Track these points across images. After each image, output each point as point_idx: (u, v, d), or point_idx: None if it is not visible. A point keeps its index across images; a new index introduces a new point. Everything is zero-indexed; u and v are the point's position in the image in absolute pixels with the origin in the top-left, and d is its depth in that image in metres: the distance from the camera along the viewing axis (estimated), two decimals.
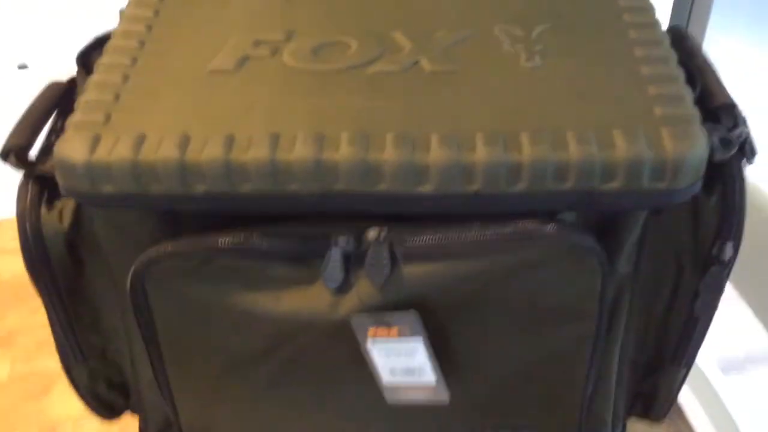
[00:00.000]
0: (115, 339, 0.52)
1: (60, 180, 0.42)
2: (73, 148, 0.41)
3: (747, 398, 0.83)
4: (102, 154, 0.40)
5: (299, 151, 0.40)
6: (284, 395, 0.48)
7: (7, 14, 1.30)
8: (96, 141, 0.41)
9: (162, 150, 0.40)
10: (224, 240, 0.42)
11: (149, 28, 0.50)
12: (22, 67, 1.39)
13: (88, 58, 0.53)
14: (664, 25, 0.50)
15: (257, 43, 0.48)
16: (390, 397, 0.46)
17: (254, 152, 0.40)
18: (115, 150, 0.41)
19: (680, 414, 0.62)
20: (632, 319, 0.49)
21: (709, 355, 0.86)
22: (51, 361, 0.67)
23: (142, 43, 0.49)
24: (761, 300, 0.63)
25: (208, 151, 0.40)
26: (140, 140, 0.41)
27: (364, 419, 0.49)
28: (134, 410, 0.57)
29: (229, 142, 0.41)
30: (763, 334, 0.64)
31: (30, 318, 0.73)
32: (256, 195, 0.41)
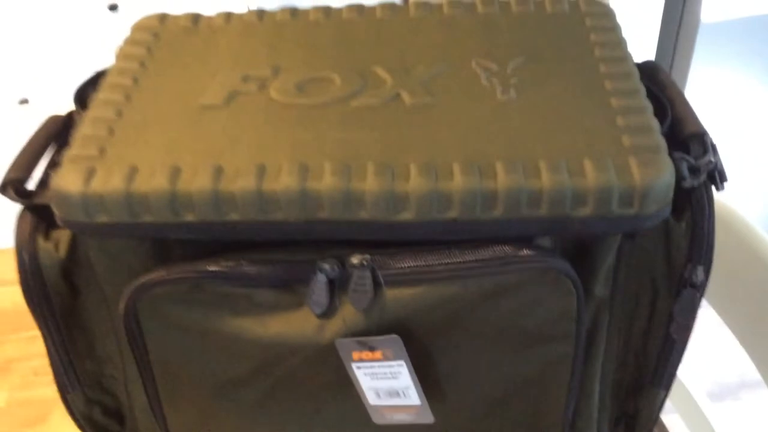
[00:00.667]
0: (110, 365, 0.53)
1: (56, 211, 0.44)
2: (68, 181, 0.43)
3: (739, 424, 0.84)
4: (96, 186, 0.42)
5: (284, 181, 0.42)
6: (273, 417, 0.49)
7: (8, 50, 1.33)
8: (91, 173, 0.43)
9: (153, 181, 0.42)
10: (213, 266, 0.43)
11: (143, 65, 0.52)
12: (23, 102, 1.42)
13: (85, 94, 0.55)
14: (643, 57, 0.53)
15: (245, 79, 0.50)
16: (376, 419, 0.47)
17: (241, 182, 0.42)
18: (109, 182, 0.42)
19: None
20: (612, 341, 0.50)
21: (698, 381, 0.87)
22: (48, 390, 0.69)
23: (136, 80, 0.51)
24: (740, 321, 0.65)
25: (197, 182, 0.42)
26: (133, 172, 0.43)
27: None
28: None
29: (218, 173, 0.43)
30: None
31: (27, 347, 0.74)
32: (243, 223, 0.43)
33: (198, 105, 0.48)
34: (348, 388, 0.47)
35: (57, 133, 0.53)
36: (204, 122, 0.47)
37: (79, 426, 0.55)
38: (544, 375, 0.47)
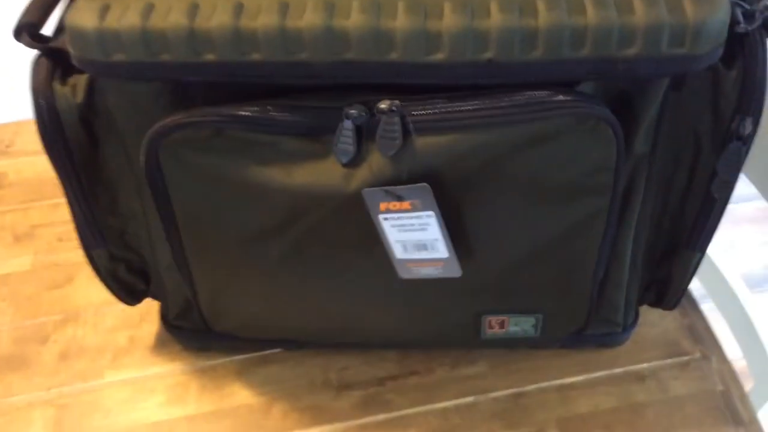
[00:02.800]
0: (133, 222, 0.52)
1: (72, 49, 0.41)
2: (82, 17, 0.40)
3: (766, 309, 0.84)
4: (112, 21, 0.40)
5: (309, 18, 0.40)
6: (299, 271, 0.49)
7: None
8: (106, 9, 0.41)
9: (171, 17, 0.40)
10: (237, 110, 0.41)
11: None
12: None
13: None
14: None
15: None
16: (402, 273, 0.47)
17: (263, 19, 0.40)
18: (125, 17, 0.40)
19: (694, 307, 0.62)
20: (648, 201, 0.48)
21: (732, 269, 0.86)
22: (72, 254, 0.69)
23: None
24: None
25: (216, 18, 0.40)
26: (149, 8, 0.41)
27: (377, 294, 0.49)
28: (155, 296, 0.59)
29: (238, 9, 0.40)
30: None
31: (51, 214, 0.74)
32: (266, 64, 0.40)
33: None
34: (374, 242, 0.45)
35: None
36: None
37: (105, 283, 0.55)
38: (576, 231, 0.46)
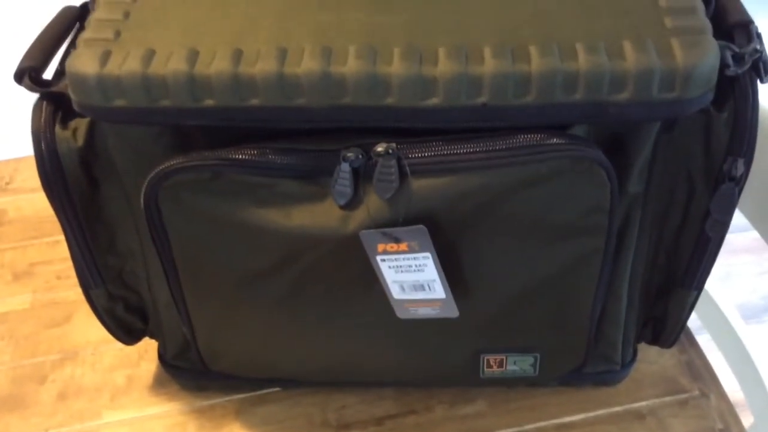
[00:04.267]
0: (132, 261, 0.53)
1: (73, 95, 0.42)
2: (84, 63, 0.41)
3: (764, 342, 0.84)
4: (112, 67, 0.41)
5: (307, 64, 0.40)
6: (297, 311, 0.49)
7: None
8: (107, 55, 0.41)
9: (171, 63, 0.41)
10: (236, 154, 0.42)
11: None
12: None
13: None
14: None
15: None
16: (400, 313, 0.47)
17: (262, 65, 0.40)
18: (126, 63, 0.41)
19: (693, 343, 0.62)
20: (643, 238, 0.49)
21: (727, 301, 0.86)
22: (71, 292, 0.69)
23: None
24: None
25: (216, 65, 0.41)
26: (150, 54, 0.41)
27: (375, 334, 0.50)
28: (153, 335, 0.59)
29: (237, 55, 0.41)
30: None
31: (50, 252, 0.74)
32: (265, 108, 0.41)
33: None
34: (372, 281, 0.46)
35: (71, 23, 0.52)
36: (222, 4, 0.45)
37: (103, 323, 0.55)
38: (572, 271, 0.46)
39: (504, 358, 0.51)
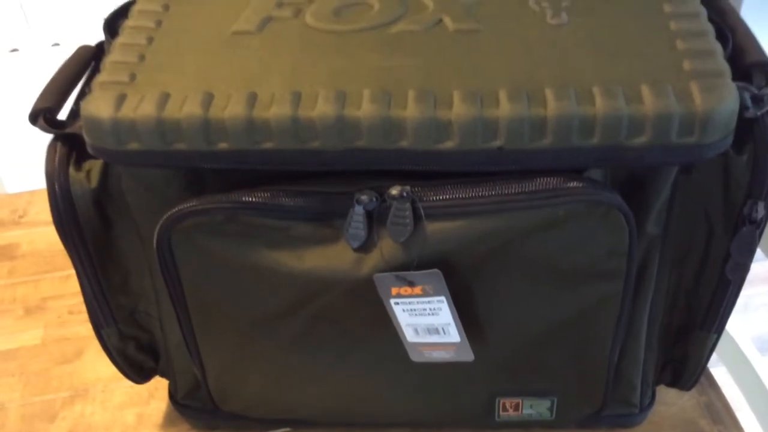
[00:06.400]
0: (144, 301, 0.52)
1: (87, 138, 0.42)
2: (98, 106, 0.41)
3: None
4: (127, 111, 0.41)
5: (321, 108, 0.40)
6: (308, 354, 0.48)
7: None
8: (121, 99, 0.41)
9: (186, 107, 0.41)
10: (248, 197, 0.42)
11: None
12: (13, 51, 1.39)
13: (114, 25, 0.53)
14: None
15: (280, 5, 0.48)
16: (414, 356, 0.46)
17: (276, 109, 0.40)
18: (140, 107, 0.41)
19: (712, 384, 0.61)
20: (662, 281, 0.48)
21: (744, 332, 0.84)
22: (82, 328, 0.69)
23: (166, 7, 0.49)
24: None
25: (230, 109, 0.40)
26: (164, 98, 0.41)
27: (388, 376, 0.49)
28: (163, 373, 0.58)
29: (252, 99, 0.41)
30: None
31: (62, 286, 0.74)
32: (278, 152, 0.41)
33: (231, 31, 0.46)
34: (385, 324, 0.45)
35: (87, 64, 0.52)
36: (237, 49, 0.45)
37: (114, 362, 0.55)
38: (590, 314, 0.45)
39: (520, 401, 0.50)
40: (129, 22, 0.48)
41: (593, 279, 0.43)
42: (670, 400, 0.59)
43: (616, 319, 0.45)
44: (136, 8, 0.49)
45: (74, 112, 0.49)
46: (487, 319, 0.45)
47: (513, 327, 0.46)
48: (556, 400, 0.50)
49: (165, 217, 0.43)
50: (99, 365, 0.65)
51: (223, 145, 0.41)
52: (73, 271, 0.75)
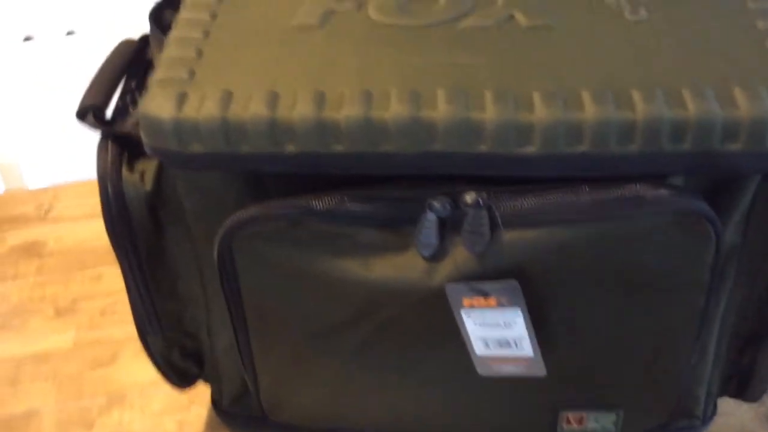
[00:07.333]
0: (192, 306, 0.50)
1: (145, 139, 0.40)
2: (159, 105, 0.39)
3: None
4: (190, 111, 0.39)
5: (395, 109, 0.38)
6: (370, 365, 0.46)
7: None
8: (182, 98, 0.39)
9: (251, 107, 0.38)
10: (315, 202, 0.40)
11: None
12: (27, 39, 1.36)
13: (160, 15, 0.51)
14: None
15: None
16: (482, 370, 0.44)
17: (348, 110, 0.38)
18: (203, 107, 0.39)
19: None
20: (737, 291, 0.46)
21: None
22: (116, 329, 0.67)
23: None
24: None
25: (299, 109, 0.38)
26: (228, 97, 0.39)
27: (449, 388, 0.47)
28: (207, 379, 0.56)
29: (320, 99, 0.39)
30: None
31: (93, 287, 0.72)
32: (349, 155, 0.39)
33: (291, 25, 0.44)
34: (451, 336, 0.43)
35: (131, 57, 0.50)
36: (299, 44, 0.43)
37: (158, 369, 0.53)
38: (667, 326, 0.43)
39: (584, 415, 0.48)
40: (183, 15, 0.45)
41: (675, 290, 0.41)
42: (728, 411, 0.57)
43: (692, 331, 0.43)
44: (188, 0, 0.47)
45: (121, 111, 0.47)
46: (560, 331, 0.43)
47: (587, 339, 0.44)
48: (622, 413, 0.48)
49: (227, 224, 0.41)
50: (135, 369, 0.63)
51: (290, 148, 0.39)
52: (104, 270, 0.74)
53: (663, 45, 0.41)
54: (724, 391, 0.53)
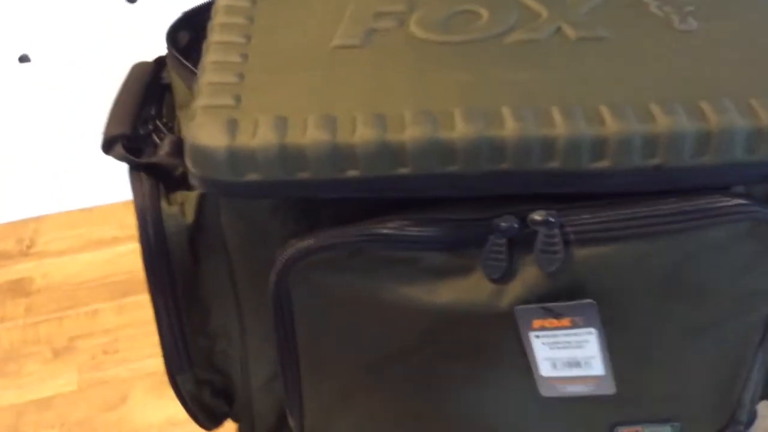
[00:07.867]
0: (223, 341, 0.47)
1: (194, 169, 0.37)
2: (210, 134, 0.37)
3: None
4: (244, 139, 0.36)
5: (461, 129, 0.36)
6: (427, 391, 0.44)
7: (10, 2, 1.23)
8: (233, 125, 0.37)
9: (309, 132, 0.36)
10: (379, 228, 0.38)
11: (253, 1, 0.45)
12: (24, 59, 1.32)
13: (176, 36, 0.49)
14: None
15: (379, 15, 0.44)
16: (544, 391, 0.43)
17: (411, 131, 0.36)
18: (258, 134, 0.36)
19: None
20: None
21: None
22: (121, 368, 0.63)
23: (250, 19, 0.44)
24: None
25: (360, 133, 0.36)
26: (282, 123, 0.37)
27: (510, 412, 0.45)
28: (236, 417, 0.53)
29: (381, 121, 0.37)
30: None
31: (90, 323, 0.68)
32: (414, 177, 0.37)
33: (332, 45, 0.42)
34: (515, 357, 0.42)
35: (148, 80, 0.47)
36: (345, 65, 0.41)
37: (187, 409, 0.50)
38: (734, 339, 0.43)
39: (640, 429, 0.48)
40: (214, 37, 0.43)
41: (750, 301, 0.41)
42: (764, 412, 0.57)
43: (758, 343, 0.43)
44: (216, 21, 0.44)
45: (143, 138, 0.44)
46: (628, 347, 0.42)
47: (655, 354, 0.43)
48: (678, 426, 0.48)
49: (287, 254, 0.38)
50: (148, 410, 0.60)
51: (352, 173, 0.37)
52: (99, 306, 0.70)
53: (718, 55, 0.40)
54: (765, 396, 0.53)
